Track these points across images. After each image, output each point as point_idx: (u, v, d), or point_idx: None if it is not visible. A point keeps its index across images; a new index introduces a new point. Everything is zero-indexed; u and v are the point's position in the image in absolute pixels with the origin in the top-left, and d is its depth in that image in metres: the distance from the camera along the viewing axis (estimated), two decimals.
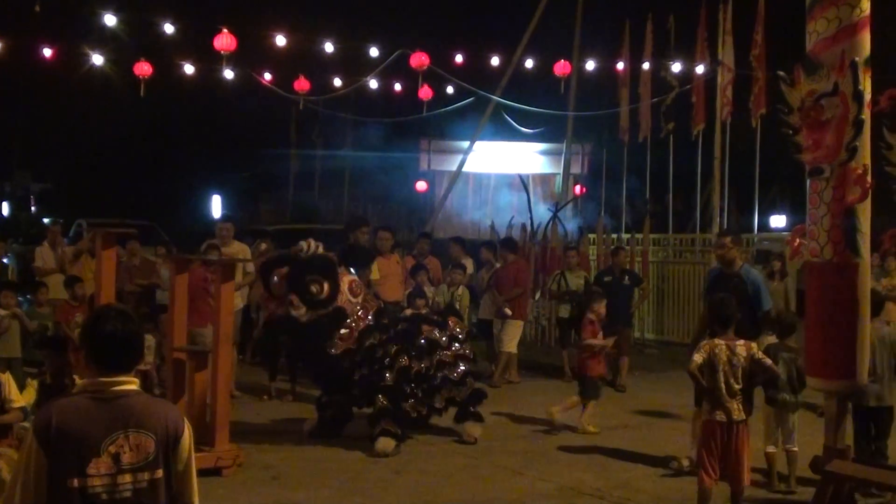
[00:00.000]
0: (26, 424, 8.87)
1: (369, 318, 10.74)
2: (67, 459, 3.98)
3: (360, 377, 10.70)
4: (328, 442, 10.90)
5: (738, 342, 8.19)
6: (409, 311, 12.37)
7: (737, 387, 8.03)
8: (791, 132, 7.88)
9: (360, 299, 10.77)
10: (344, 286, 10.63)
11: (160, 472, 4.11)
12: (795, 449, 9.51)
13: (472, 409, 11.34)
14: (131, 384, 4.16)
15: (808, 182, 7.95)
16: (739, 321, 8.67)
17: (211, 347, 10.46)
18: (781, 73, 8.05)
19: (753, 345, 8.38)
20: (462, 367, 11.24)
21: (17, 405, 8.73)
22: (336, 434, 11.14)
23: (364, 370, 10.66)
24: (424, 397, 10.99)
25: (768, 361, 8.26)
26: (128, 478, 4.05)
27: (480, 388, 11.51)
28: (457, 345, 11.35)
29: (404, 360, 10.79)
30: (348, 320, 10.59)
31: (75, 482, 3.98)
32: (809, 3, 7.88)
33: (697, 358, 8.11)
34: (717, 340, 8.15)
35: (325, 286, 10.42)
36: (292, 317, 10.37)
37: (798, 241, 8.19)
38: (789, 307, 15.35)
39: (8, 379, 8.80)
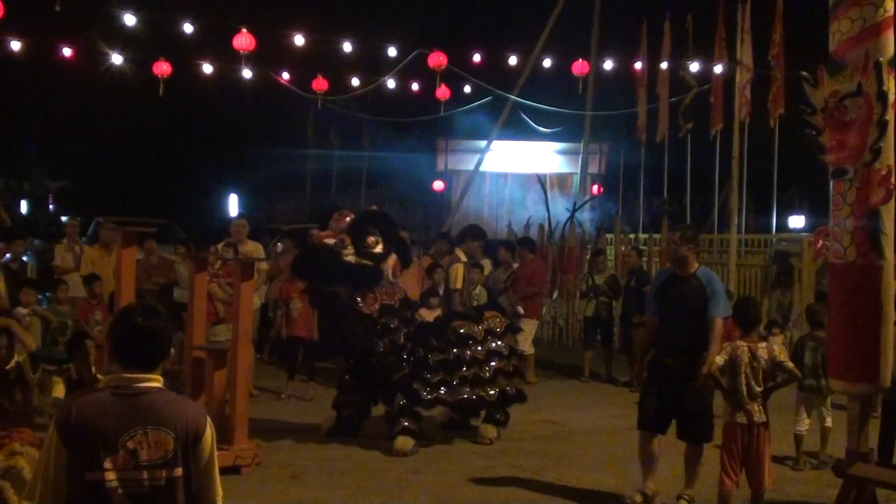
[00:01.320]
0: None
1: (395, 301, 10.73)
2: (85, 453, 3.98)
3: (377, 369, 10.72)
4: (346, 441, 10.91)
5: (759, 344, 8.20)
6: (423, 311, 12.36)
7: (757, 389, 8.04)
8: (814, 133, 7.83)
9: (396, 281, 10.83)
10: (391, 261, 10.69)
11: (179, 471, 4.10)
12: (829, 425, 10.27)
13: (496, 413, 11.34)
14: (154, 381, 4.15)
15: (831, 183, 7.90)
16: (697, 331, 8.49)
17: (228, 345, 10.50)
18: (805, 73, 8.00)
19: (775, 347, 8.38)
20: (492, 364, 11.20)
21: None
22: (354, 433, 11.16)
23: (381, 351, 10.66)
24: (450, 387, 10.93)
25: (790, 364, 8.26)
26: (145, 474, 4.04)
27: (509, 391, 11.35)
28: (494, 342, 11.32)
29: (421, 353, 10.80)
30: (379, 287, 10.61)
31: (92, 476, 3.99)
32: (833, 3, 7.83)
33: (719, 360, 8.11)
34: (739, 342, 8.15)
35: (380, 244, 10.56)
36: (337, 252, 10.44)
37: (821, 242, 8.15)
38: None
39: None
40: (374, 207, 11.11)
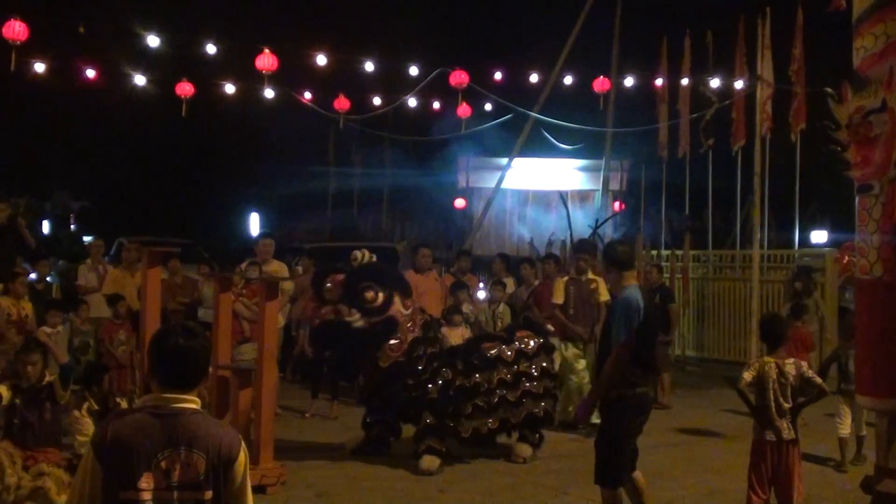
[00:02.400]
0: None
1: (418, 330, 10.78)
2: (121, 472, 4.03)
3: (406, 391, 10.73)
4: (372, 460, 10.91)
5: (787, 360, 8.14)
6: (445, 329, 12.36)
7: (786, 406, 7.99)
8: (839, 149, 7.82)
9: (410, 312, 10.82)
10: (397, 297, 10.69)
11: (209, 494, 4.12)
12: (864, 433, 10.72)
13: (527, 432, 11.31)
14: (192, 402, 4.19)
15: (856, 199, 7.88)
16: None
17: (253, 365, 10.53)
18: (829, 89, 8.01)
19: (803, 363, 8.33)
20: (523, 387, 11.17)
21: None
22: (385, 452, 11.16)
23: (410, 382, 10.68)
24: (474, 415, 10.93)
25: (819, 379, 8.21)
26: (175, 495, 4.07)
27: (536, 413, 11.24)
28: (525, 363, 11.29)
29: (448, 375, 10.78)
30: (399, 332, 10.63)
31: (126, 495, 4.02)
32: (856, 19, 7.82)
33: (747, 376, 8.08)
34: (766, 358, 8.12)
35: (380, 294, 10.51)
36: (344, 322, 10.46)
37: (847, 258, 8.14)
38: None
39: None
40: (358, 256, 11.01)
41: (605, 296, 12.75)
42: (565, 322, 12.87)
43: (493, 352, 11.12)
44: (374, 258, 11.04)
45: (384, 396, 11.06)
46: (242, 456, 4.23)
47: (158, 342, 4.25)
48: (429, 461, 10.43)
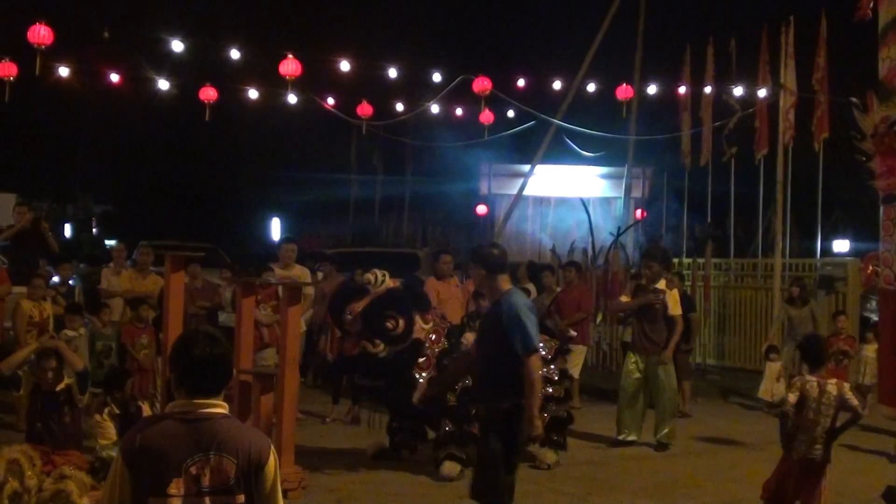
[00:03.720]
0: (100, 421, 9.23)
1: (443, 340, 10.77)
2: (150, 478, 4.04)
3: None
4: (392, 465, 10.92)
5: (829, 381, 8.03)
6: (469, 335, 12.35)
7: (825, 425, 7.87)
8: (864, 159, 7.80)
9: (431, 325, 10.82)
10: (416, 315, 10.66)
11: (241, 498, 4.13)
12: None
13: (553, 436, 11.25)
14: (219, 407, 4.21)
15: (881, 209, 7.86)
16: (492, 371, 7.32)
17: (275, 370, 10.55)
18: (854, 99, 7.97)
19: (845, 384, 8.17)
20: (544, 392, 11.11)
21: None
22: (400, 458, 11.15)
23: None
24: None
25: (855, 402, 8.07)
26: (207, 500, 4.08)
27: (560, 415, 11.26)
28: (545, 368, 11.24)
29: (468, 381, 10.76)
30: (425, 348, 10.63)
31: (156, 501, 4.04)
32: (882, 28, 7.81)
33: (791, 398, 7.91)
34: (808, 377, 8.00)
35: (401, 321, 10.44)
36: (370, 354, 10.40)
37: (871, 268, 8.10)
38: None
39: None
40: (370, 279, 10.83)
41: (676, 310, 12.68)
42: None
43: None
44: (387, 277, 10.89)
45: (408, 403, 11.05)
46: (272, 460, 4.24)
47: (183, 350, 4.26)
48: (449, 467, 10.42)
